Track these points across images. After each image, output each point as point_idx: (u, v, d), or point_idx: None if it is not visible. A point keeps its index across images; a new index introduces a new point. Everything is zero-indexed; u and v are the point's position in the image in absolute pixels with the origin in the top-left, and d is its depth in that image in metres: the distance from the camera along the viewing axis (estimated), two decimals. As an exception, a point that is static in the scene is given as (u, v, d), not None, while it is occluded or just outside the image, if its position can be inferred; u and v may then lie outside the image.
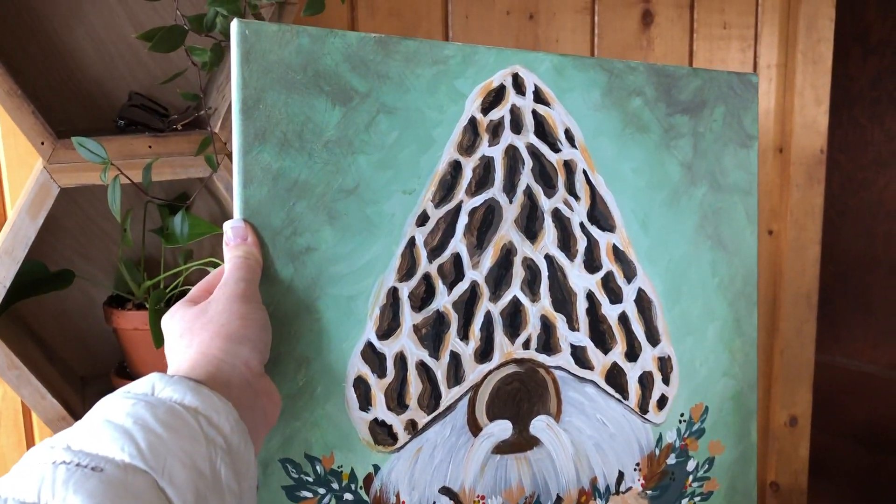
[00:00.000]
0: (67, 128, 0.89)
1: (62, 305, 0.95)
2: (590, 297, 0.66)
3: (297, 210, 0.56)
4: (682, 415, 0.71)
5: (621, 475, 0.68)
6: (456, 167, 0.62)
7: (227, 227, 0.54)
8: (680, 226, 0.70)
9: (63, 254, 0.95)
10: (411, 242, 0.60)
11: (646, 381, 0.69)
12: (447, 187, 0.61)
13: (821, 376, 1.23)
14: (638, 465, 0.69)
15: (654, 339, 0.69)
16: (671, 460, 0.70)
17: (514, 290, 0.64)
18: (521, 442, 0.65)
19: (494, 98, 0.63)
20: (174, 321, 0.51)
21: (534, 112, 0.64)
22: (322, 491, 0.58)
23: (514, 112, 0.63)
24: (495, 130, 0.63)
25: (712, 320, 0.72)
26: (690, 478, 0.71)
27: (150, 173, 0.81)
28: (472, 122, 0.62)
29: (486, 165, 0.63)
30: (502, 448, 0.64)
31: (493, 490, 0.64)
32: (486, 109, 0.62)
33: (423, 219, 0.60)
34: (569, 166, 0.66)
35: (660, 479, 0.70)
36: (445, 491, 0.62)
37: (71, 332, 0.96)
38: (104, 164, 0.77)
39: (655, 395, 0.69)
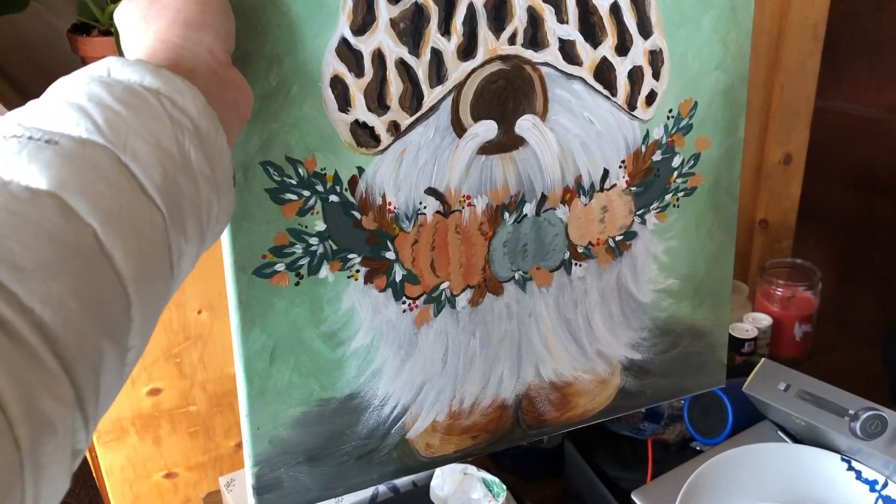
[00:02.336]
0: None
1: (24, 36, 0.89)
2: (580, -15, 0.61)
3: None
4: (670, 111, 0.69)
5: (606, 172, 0.68)
6: None
7: None
8: None
9: (16, -21, 0.86)
10: (383, -77, 0.54)
11: (635, 76, 0.66)
12: None
13: (819, 121, 1.20)
14: (623, 162, 0.69)
15: (646, 31, 0.65)
16: (657, 157, 0.70)
17: (499, -22, 0.59)
18: (507, 142, 0.63)
19: None
20: (127, 12, 0.47)
21: None
22: (307, 193, 0.58)
23: None
24: None
25: (708, 9, 0.67)
26: (675, 174, 0.72)
27: None
28: None
29: None
30: (487, 148, 0.63)
31: (479, 190, 0.64)
32: None
33: None
34: None
35: (644, 175, 0.70)
36: (431, 191, 0.62)
37: (37, 64, 0.90)
38: None
39: (644, 91, 0.67)
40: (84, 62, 0.84)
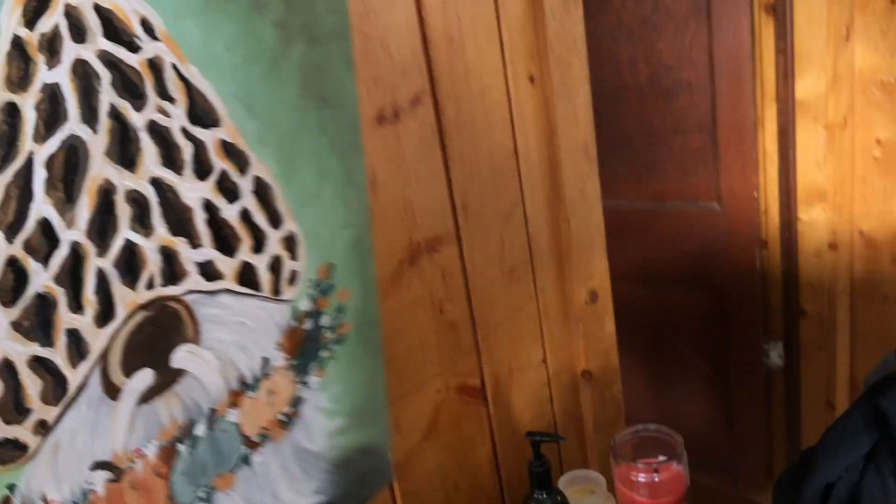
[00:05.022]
0: None
1: None
2: (207, 206, 0.59)
3: None
4: (311, 280, 0.70)
5: (266, 360, 0.68)
6: (11, 112, 0.46)
7: None
8: (284, 95, 0.63)
9: None
10: (-22, 229, 0.45)
11: (276, 265, 0.66)
12: (7, 141, 0.46)
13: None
14: (279, 343, 0.69)
15: (277, 221, 0.65)
16: (308, 325, 0.71)
17: (124, 233, 0.53)
18: (166, 380, 0.59)
19: (38, 2, 0.46)
20: None
21: (96, 7, 0.49)
22: (-49, 544, 0.48)
23: (71, 14, 0.47)
24: (51, 46, 0.47)
25: (327, 180, 0.69)
26: (325, 331, 0.73)
27: None
28: (18, 43, 0.45)
29: (52, 96, 0.47)
30: (148, 395, 0.58)
31: (147, 437, 0.59)
32: (30, 21, 0.46)
33: (-15, 194, 0.45)
34: (155, 65, 0.53)
35: (301, 345, 0.71)
36: (99, 465, 0.56)
37: None
38: None
39: (286, 275, 0.67)
40: None
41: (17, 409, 0.50)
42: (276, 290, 0.67)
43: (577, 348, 1.06)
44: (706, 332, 1.51)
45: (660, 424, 0.91)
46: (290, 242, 0.66)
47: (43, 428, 0.51)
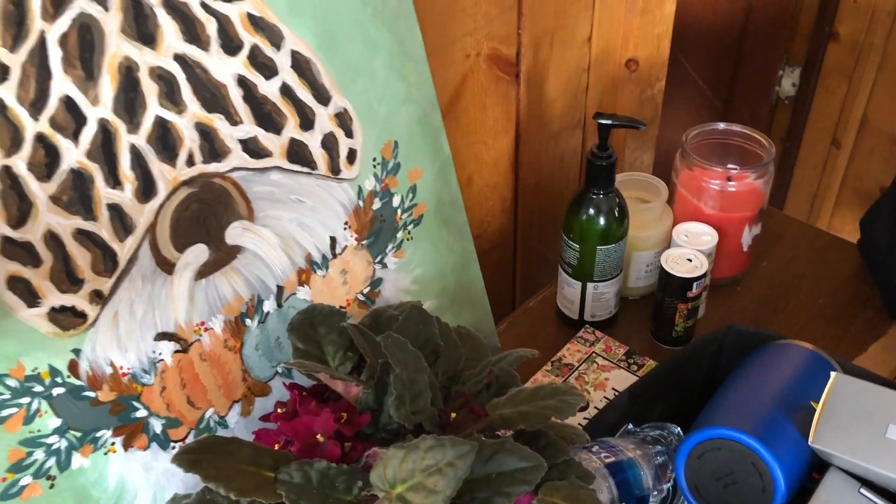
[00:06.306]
0: None
1: None
2: (242, 82, 0.59)
3: None
4: (374, 159, 0.69)
5: (333, 240, 0.68)
6: (16, -8, 0.48)
7: None
8: (314, -36, 0.62)
9: None
10: (1, 107, 0.48)
11: (329, 142, 0.65)
12: (15, 20, 0.48)
13: None
14: (347, 223, 0.69)
15: (323, 97, 0.64)
16: (377, 205, 0.71)
17: (154, 110, 0.55)
18: (223, 256, 0.61)
19: None
20: None
21: None
22: (26, 400, 0.53)
23: None
24: (48, -75, 0.48)
25: (376, 53, 0.67)
26: (399, 212, 0.73)
27: None
28: (11, -77, 0.47)
29: (56, -25, 0.49)
30: (205, 271, 0.61)
31: (211, 312, 0.62)
32: None
33: (1, 73, 0.48)
34: (161, -61, 0.53)
35: (371, 225, 0.71)
36: (162, 336, 0.59)
37: None
38: None
39: (343, 153, 0.67)
40: None
41: (69, 279, 0.53)
42: (334, 169, 0.66)
43: (628, 28, 0.91)
44: (719, 50, 1.32)
45: (743, 127, 0.75)
46: (342, 119, 0.66)
47: (99, 297, 0.55)
